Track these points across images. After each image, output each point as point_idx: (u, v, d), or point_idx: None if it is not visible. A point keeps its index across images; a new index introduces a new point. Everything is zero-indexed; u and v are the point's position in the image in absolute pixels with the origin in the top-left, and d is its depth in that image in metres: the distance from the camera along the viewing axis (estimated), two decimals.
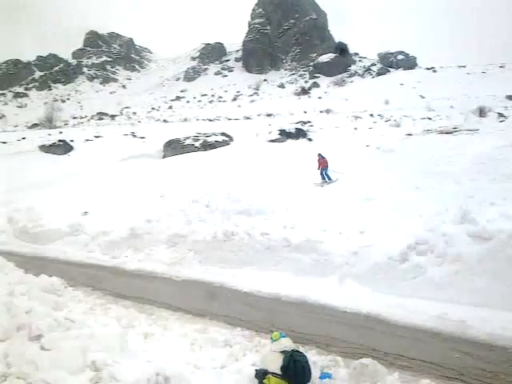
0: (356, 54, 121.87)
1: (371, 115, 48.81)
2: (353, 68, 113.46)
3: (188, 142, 34.31)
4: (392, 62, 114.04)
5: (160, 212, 12.61)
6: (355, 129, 37.05)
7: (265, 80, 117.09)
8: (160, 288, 8.46)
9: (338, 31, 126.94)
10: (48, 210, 14.89)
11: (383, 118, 45.46)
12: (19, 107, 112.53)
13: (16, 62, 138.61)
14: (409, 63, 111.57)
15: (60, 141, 38.82)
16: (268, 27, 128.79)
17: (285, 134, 34.37)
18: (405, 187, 12.17)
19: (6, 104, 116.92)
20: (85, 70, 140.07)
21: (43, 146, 37.35)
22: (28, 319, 4.42)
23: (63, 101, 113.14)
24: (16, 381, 3.59)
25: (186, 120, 70.54)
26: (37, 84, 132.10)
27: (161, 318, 6.63)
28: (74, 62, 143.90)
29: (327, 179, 16.42)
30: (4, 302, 4.76)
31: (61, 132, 48.68)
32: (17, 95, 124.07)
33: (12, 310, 4.56)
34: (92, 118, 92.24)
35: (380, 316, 6.37)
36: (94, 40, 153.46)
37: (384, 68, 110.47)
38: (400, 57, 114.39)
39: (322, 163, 16.80)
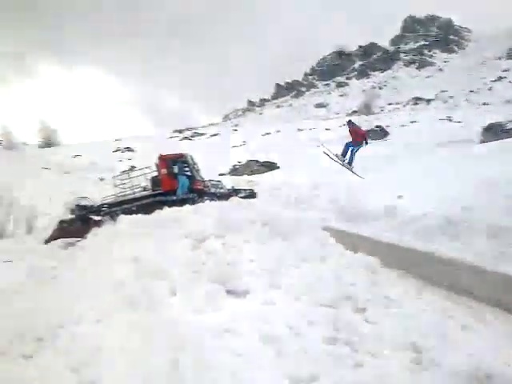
0: None
1: None
2: None
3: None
4: None
5: (477, 200, 11.78)
6: None
7: None
8: (479, 281, 7.94)
9: None
10: (366, 192, 15.72)
11: None
12: (341, 96, 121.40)
13: (339, 54, 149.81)
14: None
15: (377, 126, 40.57)
16: None
17: None
18: None
19: (330, 93, 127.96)
20: (401, 56, 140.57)
21: None
22: (353, 291, 4.80)
23: (380, 88, 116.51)
24: (343, 348, 3.94)
25: (509, 102, 63.57)
26: (356, 73, 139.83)
27: (479, 311, 6.21)
28: (392, 48, 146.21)
29: (346, 160, 12.88)
30: (333, 273, 5.29)
31: (377, 118, 50.62)
32: (339, 85, 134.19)
33: (339, 280, 5.02)
34: (407, 103, 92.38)
35: None
36: (411, 25, 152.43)
37: None
38: None
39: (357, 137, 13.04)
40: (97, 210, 15.45)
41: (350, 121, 14.57)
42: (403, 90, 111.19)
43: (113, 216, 13.63)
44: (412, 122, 44.44)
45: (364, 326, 4.25)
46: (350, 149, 14.29)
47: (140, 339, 3.93)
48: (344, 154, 14.48)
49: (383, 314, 4.56)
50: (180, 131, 75.14)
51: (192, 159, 16.67)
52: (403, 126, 42.92)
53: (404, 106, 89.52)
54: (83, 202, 15.86)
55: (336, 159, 14.82)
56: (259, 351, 3.80)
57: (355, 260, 6.82)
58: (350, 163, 14.43)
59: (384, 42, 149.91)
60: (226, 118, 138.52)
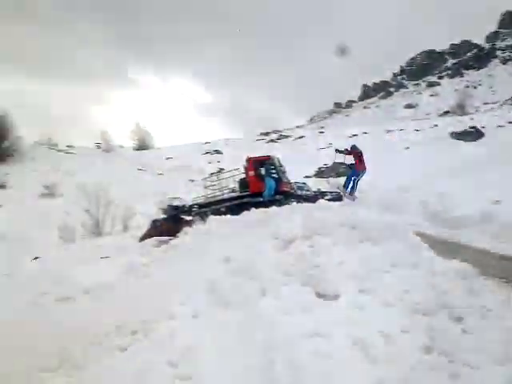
0: None
1: None
2: None
3: None
4: None
5: None
6: None
7: None
8: None
9: None
10: (458, 196, 14.98)
11: None
12: (431, 96, 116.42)
13: (430, 53, 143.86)
14: None
15: (471, 127, 38.47)
16: None
17: None
18: None
19: (420, 93, 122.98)
20: (498, 53, 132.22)
21: (454, 132, 37.89)
22: (448, 300, 4.61)
23: (474, 87, 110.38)
24: (438, 357, 3.80)
25: None
26: (449, 72, 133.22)
27: None
28: (487, 46, 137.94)
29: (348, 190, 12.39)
30: (427, 280, 5.11)
31: (472, 119, 47.98)
32: (429, 84, 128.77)
33: (433, 288, 4.85)
34: (505, 102, 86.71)
35: None
36: (508, 20, 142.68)
37: None
38: None
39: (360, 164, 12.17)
40: (188, 210, 16.03)
41: (354, 146, 13.97)
42: (500, 88, 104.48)
43: (203, 216, 14.07)
44: (510, 122, 41.63)
45: (461, 336, 4.07)
46: (352, 178, 13.94)
47: (234, 337, 4.06)
48: (346, 186, 14.21)
49: (482, 324, 4.33)
50: (266, 134, 75.82)
51: (279, 161, 16.79)
52: (500, 126, 40.28)
53: (501, 105, 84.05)
54: (175, 203, 16.54)
55: (336, 189, 14.77)
56: (350, 355, 3.78)
57: (450, 267, 6.51)
58: (351, 193, 14.03)
59: (478, 40, 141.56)
60: (312, 120, 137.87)
